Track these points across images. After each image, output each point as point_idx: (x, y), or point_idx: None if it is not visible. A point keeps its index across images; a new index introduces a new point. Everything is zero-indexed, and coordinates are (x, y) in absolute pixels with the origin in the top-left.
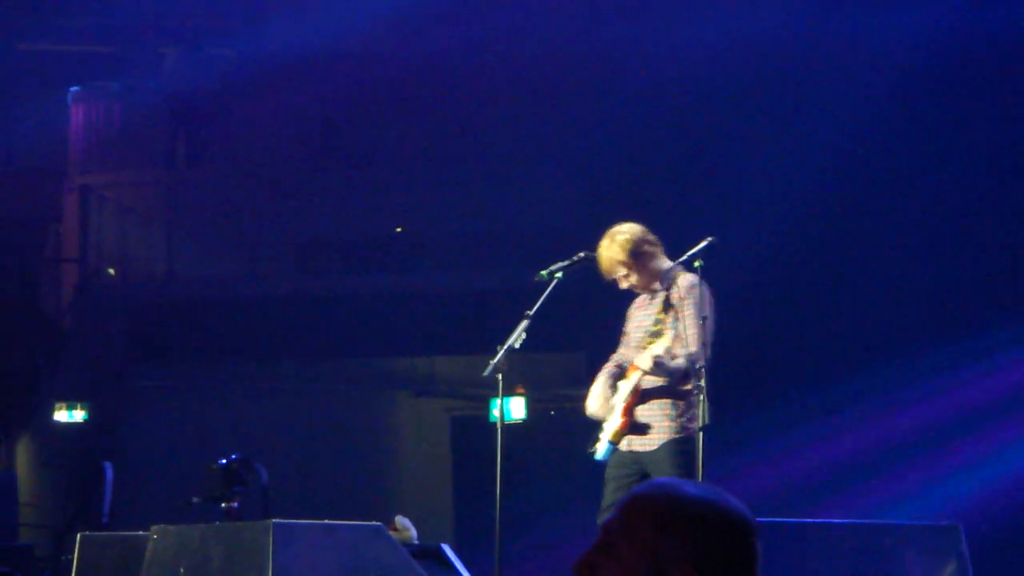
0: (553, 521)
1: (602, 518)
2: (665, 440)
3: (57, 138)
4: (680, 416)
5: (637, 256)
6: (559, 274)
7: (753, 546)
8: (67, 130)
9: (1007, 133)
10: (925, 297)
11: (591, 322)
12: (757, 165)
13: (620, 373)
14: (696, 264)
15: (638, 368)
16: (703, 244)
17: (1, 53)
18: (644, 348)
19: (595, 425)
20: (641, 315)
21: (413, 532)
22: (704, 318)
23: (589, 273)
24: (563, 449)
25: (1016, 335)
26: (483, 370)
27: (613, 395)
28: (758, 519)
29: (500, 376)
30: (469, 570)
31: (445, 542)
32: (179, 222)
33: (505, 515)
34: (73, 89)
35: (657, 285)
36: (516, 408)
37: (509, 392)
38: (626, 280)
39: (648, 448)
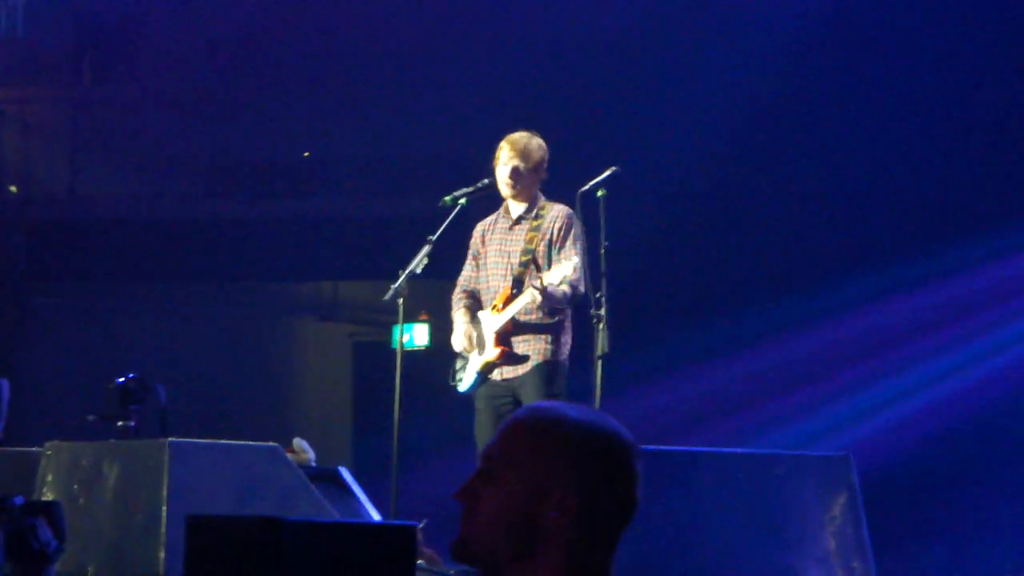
0: (451, 450)
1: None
2: (538, 362)
3: None
4: (553, 343)
5: (538, 168)
6: (463, 200)
7: (633, 467)
8: None
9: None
10: (823, 229)
11: None
12: (664, 96)
13: (475, 303)
14: (599, 193)
15: (521, 298)
16: (607, 174)
17: None
18: (516, 275)
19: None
20: (503, 239)
21: (311, 455)
22: (580, 247)
23: (493, 201)
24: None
25: (913, 267)
26: (391, 297)
27: (476, 327)
28: (652, 448)
29: (401, 301)
30: (365, 494)
31: (343, 467)
32: (84, 141)
33: (403, 442)
34: None
35: (523, 210)
36: (419, 335)
37: (412, 319)
38: (511, 179)
39: (518, 374)
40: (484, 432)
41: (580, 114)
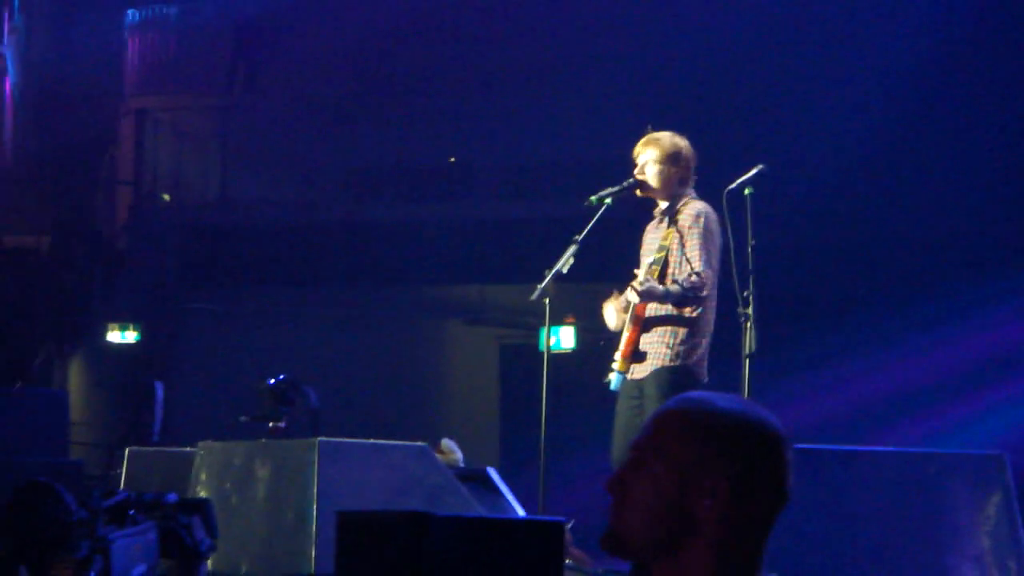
0: (597, 449)
1: (616, 451)
2: (657, 367)
3: (114, 62)
4: (679, 344)
5: (673, 160)
6: (608, 200)
7: (784, 457)
8: (124, 53)
9: None
10: (977, 231)
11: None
12: (813, 95)
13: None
14: (746, 191)
15: (626, 295)
16: (753, 172)
17: None
18: (650, 274)
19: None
20: (649, 239)
21: (459, 455)
22: (708, 246)
23: (641, 201)
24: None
25: None
26: (538, 299)
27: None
28: (805, 446)
29: (547, 302)
30: (513, 495)
31: (490, 467)
32: (234, 147)
33: (550, 444)
34: (130, 12)
35: (663, 206)
36: (565, 337)
37: (559, 321)
38: (642, 172)
39: (642, 375)
40: (616, 430)
41: (727, 113)
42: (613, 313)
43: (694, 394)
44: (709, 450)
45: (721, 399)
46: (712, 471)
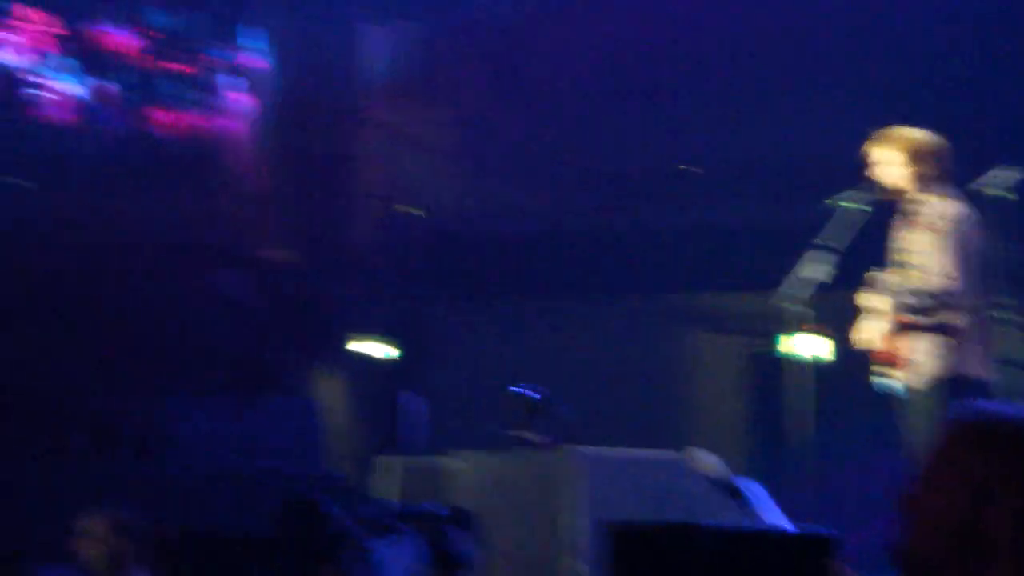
0: (858, 462)
1: (901, 462)
2: (929, 376)
3: (361, 75)
4: (951, 352)
5: (916, 158)
6: (852, 203)
7: None
8: (370, 66)
9: None
10: None
11: None
12: None
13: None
14: (993, 191)
15: (870, 297)
16: (1001, 171)
17: None
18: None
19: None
20: (897, 237)
21: (716, 465)
22: (959, 248)
23: (887, 202)
24: (863, 390)
25: None
26: (781, 304)
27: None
28: None
29: (797, 311)
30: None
31: (749, 479)
32: (482, 156)
33: (806, 453)
34: (376, 26)
35: (910, 206)
36: (816, 346)
37: (809, 330)
38: (884, 172)
39: (914, 384)
40: (902, 442)
41: (972, 110)
42: (870, 322)
43: (986, 404)
44: (1003, 461)
45: (1010, 407)
46: (1006, 485)
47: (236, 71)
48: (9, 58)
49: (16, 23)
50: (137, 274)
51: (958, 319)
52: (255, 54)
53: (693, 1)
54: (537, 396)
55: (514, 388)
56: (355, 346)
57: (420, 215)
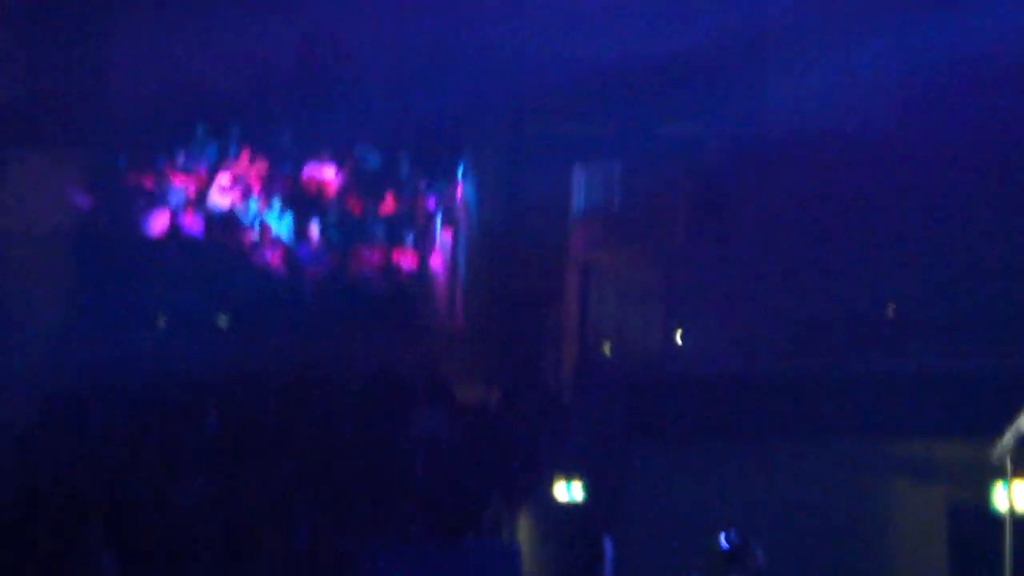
0: None
1: None
2: None
3: (562, 216)
4: None
5: None
6: None
7: None
8: (571, 207)
9: None
10: None
11: None
12: None
13: None
14: None
15: None
16: None
17: (514, 134)
18: None
19: None
20: None
21: None
22: None
23: None
24: None
25: None
26: (989, 455)
27: None
28: None
29: (1008, 462)
30: None
31: None
32: (677, 299)
33: None
34: (576, 167)
35: None
36: None
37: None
38: None
39: None
40: None
41: None
42: None
43: None
44: None
45: None
46: None
47: (441, 209)
48: (221, 201)
49: (229, 167)
50: (339, 414)
51: None
52: (460, 192)
53: (904, 145)
54: (733, 544)
55: (712, 536)
56: (553, 488)
57: (606, 352)
